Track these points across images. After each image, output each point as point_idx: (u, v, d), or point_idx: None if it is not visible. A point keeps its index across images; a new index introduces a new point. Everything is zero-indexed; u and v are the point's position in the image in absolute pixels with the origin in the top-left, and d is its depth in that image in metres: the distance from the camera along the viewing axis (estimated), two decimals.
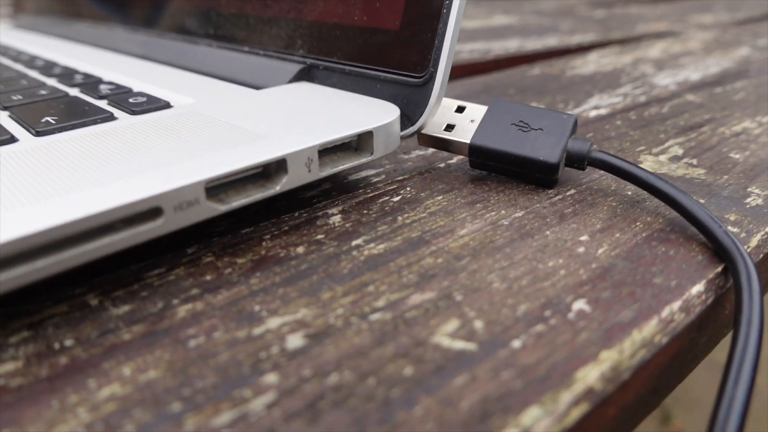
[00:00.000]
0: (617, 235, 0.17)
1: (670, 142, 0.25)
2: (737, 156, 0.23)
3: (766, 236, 0.17)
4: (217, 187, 0.15)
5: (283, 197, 0.19)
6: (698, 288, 0.15)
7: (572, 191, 0.20)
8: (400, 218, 0.18)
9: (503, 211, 0.18)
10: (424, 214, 0.18)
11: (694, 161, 0.22)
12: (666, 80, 0.35)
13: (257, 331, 0.13)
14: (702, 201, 0.19)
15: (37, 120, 0.20)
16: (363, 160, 0.18)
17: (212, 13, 0.28)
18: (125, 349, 0.13)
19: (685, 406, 0.86)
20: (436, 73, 0.19)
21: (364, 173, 0.21)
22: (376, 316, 0.13)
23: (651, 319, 0.13)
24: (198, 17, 0.29)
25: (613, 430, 0.13)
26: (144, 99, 0.22)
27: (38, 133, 0.18)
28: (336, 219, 0.18)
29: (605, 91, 0.33)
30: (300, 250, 0.16)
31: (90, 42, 0.37)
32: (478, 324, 0.13)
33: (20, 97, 0.24)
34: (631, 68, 0.39)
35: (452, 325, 0.13)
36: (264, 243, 0.17)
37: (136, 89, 0.24)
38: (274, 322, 0.13)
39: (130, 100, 0.21)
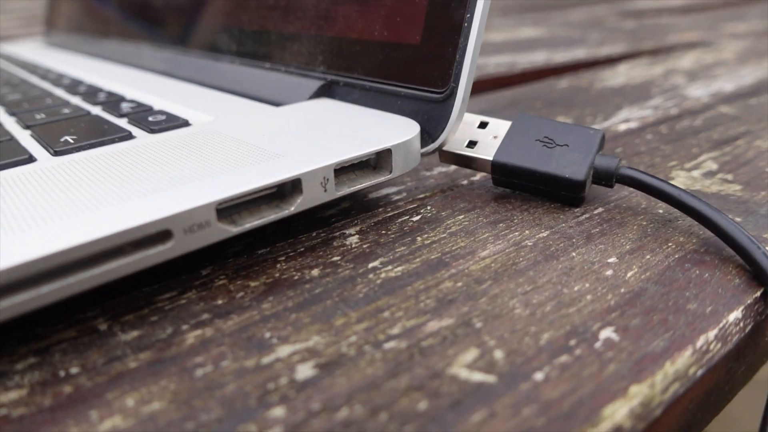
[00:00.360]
0: (648, 256, 0.16)
1: (703, 156, 0.24)
2: None
3: None
4: (229, 208, 0.15)
5: (301, 216, 0.19)
6: (736, 314, 0.14)
7: (600, 210, 0.19)
8: (419, 239, 0.17)
9: (527, 231, 0.17)
10: (445, 235, 0.17)
11: (730, 176, 0.21)
12: (698, 92, 0.34)
13: (266, 360, 0.12)
14: (738, 220, 0.18)
15: (57, 139, 0.19)
16: (381, 178, 0.18)
17: (234, 30, 0.28)
18: (130, 378, 0.12)
19: (720, 421, 0.83)
20: (457, 88, 0.19)
21: (384, 191, 0.21)
22: (390, 345, 0.13)
23: (685, 350, 0.12)
24: (220, 34, 0.29)
25: None
26: (163, 117, 0.21)
27: (56, 153, 0.18)
28: (353, 240, 0.17)
29: (635, 103, 0.32)
30: (315, 272, 0.16)
31: (118, 60, 0.37)
32: (499, 354, 0.12)
33: (43, 115, 0.24)
34: (661, 80, 0.38)
35: (471, 354, 0.12)
36: (278, 265, 0.16)
37: (156, 107, 0.24)
38: (284, 351, 0.13)
39: (150, 119, 0.21)
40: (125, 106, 0.24)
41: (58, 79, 0.33)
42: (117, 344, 0.13)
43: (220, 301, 0.15)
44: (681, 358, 0.12)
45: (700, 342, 0.13)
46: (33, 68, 0.39)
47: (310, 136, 0.18)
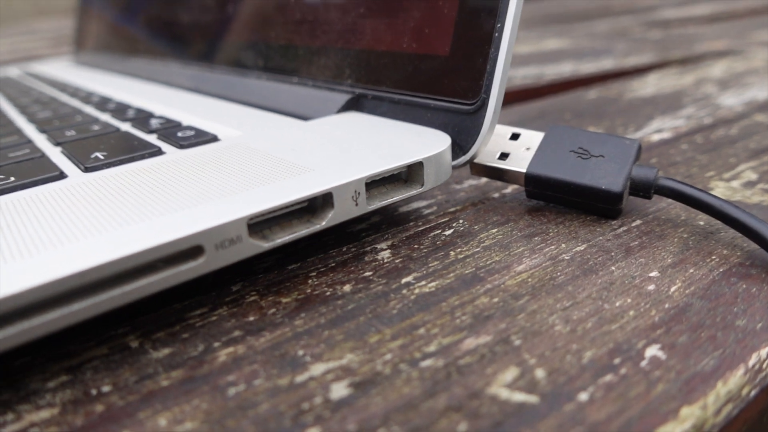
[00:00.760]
0: (691, 270, 0.15)
1: (741, 166, 0.23)
2: None
3: None
4: (260, 223, 0.15)
5: (331, 231, 0.19)
6: None
7: (638, 222, 0.18)
8: (452, 253, 0.17)
9: (563, 245, 0.17)
10: (478, 249, 0.17)
11: None
12: (731, 100, 0.33)
13: (300, 378, 0.12)
14: None
15: (87, 156, 0.20)
16: (413, 192, 0.17)
17: (261, 45, 0.28)
18: (162, 396, 0.12)
19: None
20: (488, 100, 0.18)
21: (414, 205, 0.20)
22: (426, 363, 0.12)
23: (737, 369, 0.12)
24: (247, 50, 0.29)
25: None
26: (192, 133, 0.21)
27: (87, 169, 0.18)
28: (385, 254, 0.17)
29: (667, 113, 0.31)
30: (347, 288, 0.15)
31: (145, 77, 0.37)
32: (540, 373, 0.12)
33: (74, 132, 0.24)
34: (693, 89, 0.37)
35: (511, 374, 0.12)
36: (310, 281, 0.16)
37: (185, 123, 0.24)
38: (318, 369, 0.12)
39: (179, 134, 0.21)
40: (154, 123, 0.24)
41: (87, 97, 0.33)
42: (148, 362, 0.13)
43: (251, 318, 0.14)
44: (733, 378, 0.12)
45: (752, 360, 0.12)
46: (63, 86, 0.39)
47: (339, 149, 0.18)
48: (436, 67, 0.20)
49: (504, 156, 0.20)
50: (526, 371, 0.12)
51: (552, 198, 0.19)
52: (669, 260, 0.16)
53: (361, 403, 0.11)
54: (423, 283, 0.15)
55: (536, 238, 0.17)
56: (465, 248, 0.17)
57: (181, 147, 0.20)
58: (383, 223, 0.19)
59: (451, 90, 0.19)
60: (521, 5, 0.17)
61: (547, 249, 0.17)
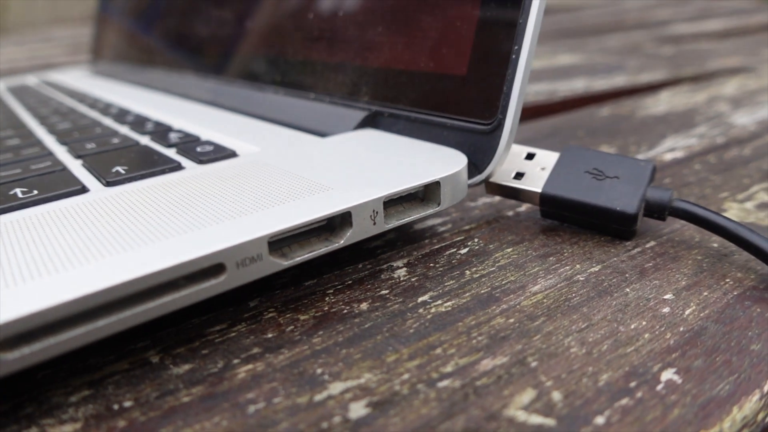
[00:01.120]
0: (705, 293, 0.16)
1: (755, 187, 0.23)
2: None
3: None
4: (279, 241, 0.15)
5: (347, 248, 0.19)
6: None
7: (652, 243, 0.18)
8: (468, 272, 0.17)
9: (578, 266, 0.17)
10: (493, 268, 0.17)
11: None
12: (744, 119, 0.34)
13: (319, 397, 0.12)
14: None
15: (108, 170, 0.20)
16: (430, 211, 0.18)
17: (279, 60, 0.28)
18: (183, 413, 0.12)
19: None
20: (504, 120, 0.18)
21: (429, 222, 0.21)
22: (444, 384, 0.13)
23: (752, 394, 0.12)
24: (265, 65, 0.29)
25: None
26: (211, 148, 0.22)
27: (108, 184, 0.19)
28: (401, 272, 0.17)
29: (680, 132, 0.31)
30: (364, 306, 0.16)
31: (163, 89, 0.38)
32: (557, 396, 0.12)
33: (94, 145, 0.24)
34: (705, 107, 0.37)
35: (527, 396, 0.12)
36: (327, 298, 0.16)
37: (203, 137, 0.24)
38: (336, 388, 0.13)
39: (198, 149, 0.22)
40: (173, 137, 0.24)
41: (105, 108, 0.34)
42: (169, 377, 0.13)
43: (270, 335, 0.15)
44: (749, 403, 0.12)
45: None
46: (81, 97, 0.40)
47: (357, 167, 0.18)
48: (453, 87, 0.20)
49: (519, 175, 0.20)
50: (542, 393, 0.12)
51: (566, 218, 0.19)
52: (683, 282, 0.16)
53: (379, 423, 0.12)
54: (439, 302, 0.16)
55: (551, 258, 0.18)
56: (480, 267, 0.17)
57: (201, 162, 0.20)
58: (398, 240, 0.19)
59: (468, 110, 0.19)
60: (539, 28, 0.18)
61: (562, 269, 0.17)
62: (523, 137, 0.31)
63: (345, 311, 0.15)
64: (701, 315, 0.15)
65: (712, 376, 0.13)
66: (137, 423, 0.12)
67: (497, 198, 0.22)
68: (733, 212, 0.21)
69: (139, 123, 0.28)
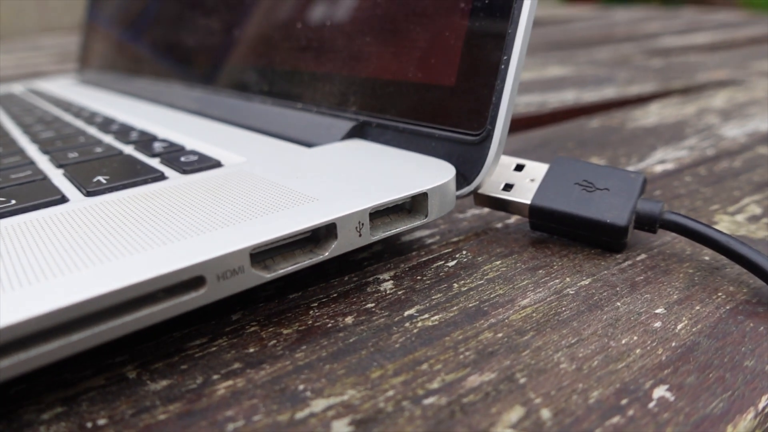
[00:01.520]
0: (697, 307, 0.15)
1: (746, 200, 0.23)
2: None
3: None
4: (262, 253, 0.15)
5: (333, 260, 0.18)
6: None
7: (643, 256, 0.18)
8: (455, 285, 0.17)
9: (568, 279, 0.17)
10: (482, 281, 0.17)
11: None
12: (734, 131, 0.34)
13: (300, 414, 0.12)
14: None
15: (89, 179, 0.19)
16: (417, 222, 0.17)
17: (266, 70, 0.28)
18: (159, 431, 0.12)
19: None
20: (493, 131, 0.18)
21: (417, 234, 0.20)
22: (430, 401, 0.12)
23: (746, 412, 0.12)
24: (252, 74, 0.29)
25: None
26: (195, 158, 0.21)
27: (89, 194, 0.18)
28: (388, 285, 0.17)
29: (670, 143, 0.31)
30: (349, 320, 0.15)
31: (150, 98, 0.38)
32: (546, 413, 0.12)
33: (76, 154, 0.24)
34: (695, 119, 0.37)
35: (516, 413, 0.12)
36: (311, 311, 0.16)
37: (188, 147, 0.24)
38: (318, 405, 0.12)
39: (182, 159, 0.21)
40: (157, 146, 0.24)
41: (90, 117, 0.33)
42: (146, 394, 0.13)
43: (251, 350, 0.14)
44: (743, 422, 0.12)
45: (762, 403, 0.12)
46: (66, 106, 0.39)
47: (343, 178, 0.18)
48: (441, 97, 0.20)
49: (508, 187, 0.19)
50: (531, 411, 0.12)
51: (556, 230, 0.19)
52: (675, 296, 0.16)
53: None
54: (426, 316, 0.15)
55: (540, 272, 0.17)
56: (468, 280, 0.17)
57: (184, 172, 0.20)
58: (385, 252, 0.19)
59: (457, 120, 0.19)
60: (528, 38, 0.18)
61: (551, 283, 0.17)
62: (513, 148, 0.31)
63: (329, 325, 0.15)
64: (693, 330, 0.14)
65: (706, 393, 0.12)
66: None
67: (486, 210, 0.22)
68: (724, 225, 0.20)
69: (123, 132, 0.28)
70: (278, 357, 0.14)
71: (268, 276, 0.14)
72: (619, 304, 0.15)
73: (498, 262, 0.18)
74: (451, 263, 0.18)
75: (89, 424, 0.12)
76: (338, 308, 0.16)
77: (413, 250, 0.19)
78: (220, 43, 0.32)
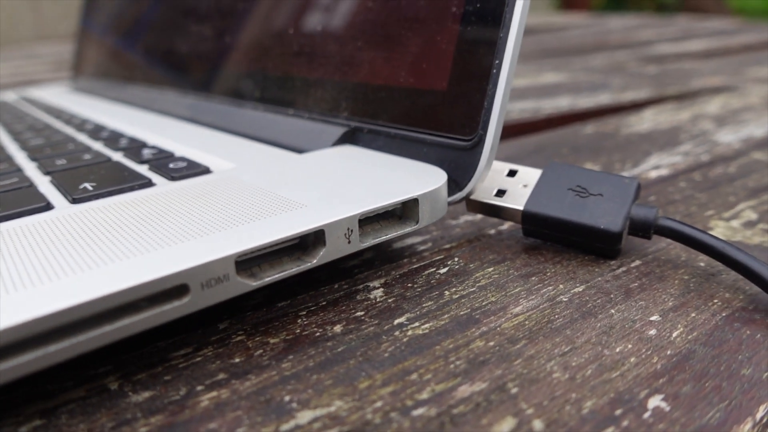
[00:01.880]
0: (693, 314, 0.15)
1: (741, 205, 0.23)
2: None
3: None
4: (249, 261, 0.14)
5: (323, 267, 0.18)
6: None
7: (637, 262, 0.18)
8: (447, 293, 0.16)
9: (561, 286, 0.16)
10: (474, 289, 0.16)
11: None
12: (728, 137, 0.33)
13: (285, 427, 0.12)
14: None
15: (76, 187, 0.19)
16: (407, 229, 0.17)
17: (258, 76, 0.28)
18: None
19: None
20: (485, 136, 0.18)
21: (409, 241, 0.20)
22: (419, 412, 0.12)
23: (744, 422, 0.11)
24: (244, 80, 0.29)
25: None
26: (184, 164, 0.21)
27: (74, 201, 0.18)
28: (378, 293, 0.16)
29: (664, 149, 0.31)
30: (337, 329, 0.15)
31: (142, 105, 0.37)
32: (538, 425, 0.11)
33: (64, 161, 0.24)
34: (690, 125, 0.37)
35: (507, 425, 0.11)
36: (299, 320, 0.15)
37: (178, 153, 0.23)
38: (304, 417, 0.12)
39: (170, 165, 0.21)
40: (146, 153, 0.24)
41: (81, 125, 0.33)
42: (127, 406, 0.12)
43: (237, 360, 0.14)
44: None
45: (761, 413, 0.12)
46: (58, 113, 0.39)
47: (333, 184, 0.17)
48: (433, 102, 0.19)
49: (501, 193, 0.19)
50: (523, 422, 0.11)
51: (549, 236, 0.19)
52: (670, 303, 0.16)
53: None
54: (416, 324, 0.15)
55: (533, 278, 0.17)
56: (460, 288, 0.17)
57: (172, 179, 0.20)
58: (376, 259, 0.19)
59: (448, 125, 0.19)
60: (520, 42, 0.17)
61: (544, 290, 0.16)
62: (507, 154, 0.30)
63: (317, 334, 0.15)
64: (689, 338, 0.14)
65: (702, 403, 0.12)
66: None
67: (479, 216, 0.22)
68: (720, 230, 0.20)
69: (113, 139, 0.27)
70: (264, 367, 0.13)
71: (255, 284, 0.14)
72: (613, 311, 0.15)
73: (490, 269, 0.18)
74: (443, 270, 0.18)
75: None
76: (327, 316, 0.15)
77: (404, 257, 0.19)
78: (212, 50, 0.32)
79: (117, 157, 0.24)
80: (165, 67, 0.38)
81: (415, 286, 0.17)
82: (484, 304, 0.16)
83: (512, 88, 0.51)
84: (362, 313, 0.15)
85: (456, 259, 0.18)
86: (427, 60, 0.20)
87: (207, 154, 0.23)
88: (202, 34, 0.33)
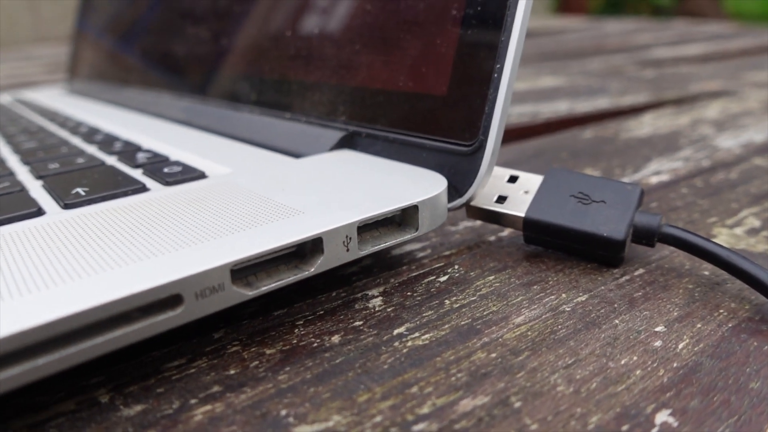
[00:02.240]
0: (699, 325, 0.15)
1: (744, 212, 0.22)
2: None
3: None
4: (245, 269, 0.14)
5: (320, 275, 0.18)
6: None
7: (641, 271, 0.17)
8: (447, 302, 0.16)
9: (564, 295, 0.16)
10: (475, 297, 0.16)
11: None
12: (729, 142, 0.33)
13: None
14: None
15: (68, 191, 0.19)
16: (407, 236, 0.17)
17: (255, 79, 0.27)
18: None
19: None
20: (486, 142, 0.18)
21: (408, 247, 0.20)
22: (420, 427, 0.11)
23: None
24: (240, 83, 0.29)
25: None
26: (179, 169, 0.21)
27: (66, 206, 0.18)
28: (377, 302, 0.16)
29: (664, 154, 0.31)
30: (335, 339, 0.14)
31: (138, 108, 0.37)
32: None
33: (57, 165, 0.23)
34: (689, 130, 0.37)
35: None
36: (296, 330, 0.15)
37: (173, 158, 0.23)
38: None
39: (165, 170, 0.21)
40: (141, 157, 0.23)
41: (75, 127, 0.33)
42: (118, 420, 0.12)
43: (232, 371, 0.13)
44: None
45: None
46: (52, 116, 0.38)
47: (331, 190, 0.17)
48: (433, 107, 0.19)
49: (502, 199, 0.19)
50: None
51: (551, 244, 0.18)
52: (675, 313, 0.15)
53: None
54: (416, 334, 0.14)
55: (535, 287, 0.17)
56: (461, 296, 0.16)
57: (167, 184, 0.19)
58: (375, 266, 0.18)
59: (448, 131, 0.19)
60: (522, 46, 0.17)
61: (546, 299, 0.16)
62: (506, 159, 0.30)
63: (315, 345, 0.14)
64: (695, 349, 0.14)
65: (711, 418, 0.12)
66: None
67: (479, 222, 0.22)
68: (723, 238, 0.20)
69: (107, 142, 0.27)
70: (260, 379, 0.13)
71: (251, 293, 0.14)
72: (617, 321, 0.15)
73: (491, 278, 0.17)
74: (443, 278, 0.17)
75: None
76: (324, 326, 0.15)
77: (404, 264, 0.18)
78: (209, 53, 0.32)
79: (111, 161, 0.24)
80: (161, 70, 0.37)
81: (415, 294, 0.16)
82: (485, 313, 0.15)
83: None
84: (361, 322, 0.15)
85: (456, 266, 0.18)
86: (426, 64, 0.19)
87: (202, 158, 0.22)
88: (198, 37, 0.33)
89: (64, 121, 0.36)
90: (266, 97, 0.27)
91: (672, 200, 0.24)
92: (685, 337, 0.14)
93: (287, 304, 0.16)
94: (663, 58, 0.68)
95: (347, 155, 0.21)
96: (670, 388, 0.12)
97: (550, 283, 0.17)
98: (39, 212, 0.17)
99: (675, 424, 0.11)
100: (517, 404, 0.12)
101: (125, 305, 0.12)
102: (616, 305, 0.16)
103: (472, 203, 0.19)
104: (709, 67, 0.61)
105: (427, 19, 0.20)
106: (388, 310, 0.16)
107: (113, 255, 0.13)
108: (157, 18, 0.39)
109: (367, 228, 0.16)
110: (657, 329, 0.15)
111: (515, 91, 0.52)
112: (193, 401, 0.12)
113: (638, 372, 0.13)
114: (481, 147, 0.18)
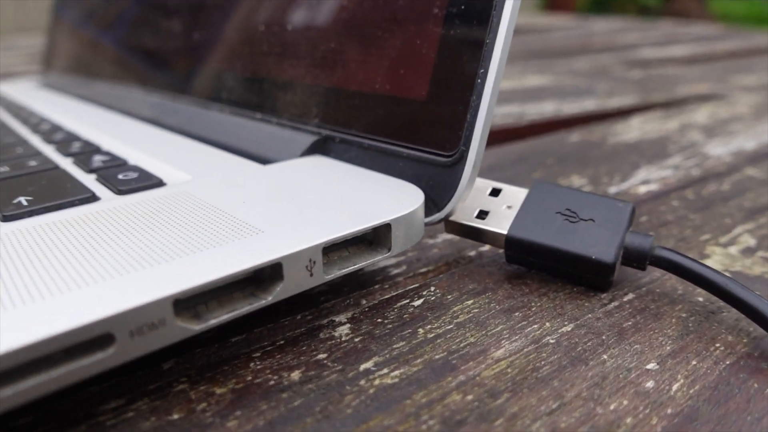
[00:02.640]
0: (694, 362, 0.13)
1: (738, 229, 0.21)
2: None
3: None
4: (192, 298, 0.12)
5: None
6: None
7: (630, 296, 0.16)
8: (421, 331, 0.15)
9: (548, 324, 0.15)
10: (451, 326, 0.15)
11: None
12: (719, 149, 0.32)
13: None
14: None
15: (10, 201, 0.17)
16: (378, 257, 0.15)
17: (225, 76, 0.26)
18: None
19: None
20: (467, 152, 0.16)
21: (382, 263, 0.18)
22: None
23: None
24: (211, 80, 0.27)
25: None
26: (135, 175, 0.19)
27: (5, 218, 0.16)
28: (344, 330, 0.15)
29: (653, 162, 0.30)
30: (295, 376, 0.13)
31: (107, 104, 0.35)
32: None
33: (7, 169, 0.21)
34: (678, 135, 0.35)
35: None
36: (252, 363, 0.13)
37: (131, 161, 0.21)
38: None
39: (120, 177, 0.19)
40: (97, 160, 0.22)
41: (38, 125, 0.31)
42: None
43: (176, 416, 0.12)
44: None
45: None
46: (17, 111, 0.36)
47: (297, 204, 0.16)
48: (411, 112, 0.18)
49: (483, 214, 0.18)
50: None
51: (535, 264, 0.17)
52: (668, 348, 0.14)
53: None
54: (385, 371, 0.13)
55: (517, 314, 0.15)
56: (436, 324, 0.15)
57: (120, 192, 0.18)
58: (345, 285, 0.17)
59: (427, 139, 0.17)
60: (508, 49, 0.16)
61: (529, 329, 0.15)
62: (488, 164, 0.29)
63: (271, 383, 0.13)
64: (691, 392, 0.12)
65: None
66: None
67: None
68: (717, 258, 0.19)
69: (66, 142, 0.25)
70: (206, 426, 0.12)
71: (197, 328, 0.12)
72: (605, 356, 0.14)
73: (470, 302, 0.16)
74: (417, 302, 0.16)
75: None
76: (284, 360, 0.14)
77: (376, 283, 0.17)
78: (179, 47, 0.30)
79: (65, 164, 0.22)
80: (133, 65, 0.35)
81: (386, 321, 0.15)
82: (462, 345, 0.14)
83: None
84: (325, 355, 0.14)
85: (432, 288, 0.17)
86: (405, 65, 0.18)
87: (163, 162, 0.21)
88: (170, 31, 0.31)
89: (27, 117, 0.34)
90: (237, 96, 0.25)
91: (662, 214, 0.22)
92: (679, 376, 0.13)
93: (246, 329, 0.15)
94: (650, 58, 0.67)
95: (318, 162, 0.19)
96: None
97: (533, 309, 0.15)
98: None
99: None
100: None
101: (45, 348, 0.10)
102: (604, 337, 0.14)
103: (452, 218, 0.18)
104: (696, 69, 0.60)
105: (407, 17, 0.18)
106: (356, 340, 0.14)
107: (37, 284, 0.12)
108: (132, 11, 0.37)
109: (335, 248, 0.15)
110: (648, 366, 0.13)
111: (501, 89, 0.50)
112: None
113: (629, 420, 0.12)
114: (462, 158, 0.16)
